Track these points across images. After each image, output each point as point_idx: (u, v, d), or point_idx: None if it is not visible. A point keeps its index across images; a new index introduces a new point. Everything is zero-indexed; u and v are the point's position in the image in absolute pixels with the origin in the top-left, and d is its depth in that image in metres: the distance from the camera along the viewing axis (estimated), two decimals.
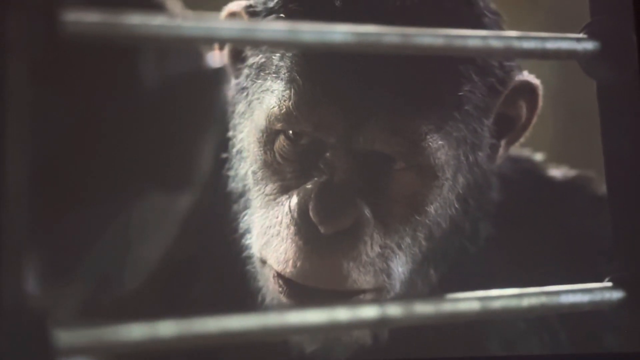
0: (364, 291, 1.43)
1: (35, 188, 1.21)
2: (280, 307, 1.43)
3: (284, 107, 1.43)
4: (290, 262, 1.41)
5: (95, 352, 1.23)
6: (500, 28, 1.51)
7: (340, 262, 1.40)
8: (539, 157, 1.64)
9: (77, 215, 1.43)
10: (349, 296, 1.43)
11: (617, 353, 1.52)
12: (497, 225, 1.56)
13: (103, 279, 1.45)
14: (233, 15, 1.51)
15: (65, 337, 1.19)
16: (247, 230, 1.49)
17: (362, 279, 1.42)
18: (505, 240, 1.55)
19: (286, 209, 1.42)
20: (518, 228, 1.57)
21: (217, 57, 1.54)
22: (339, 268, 1.41)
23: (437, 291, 1.49)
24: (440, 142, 1.44)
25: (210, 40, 1.45)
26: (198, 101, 1.53)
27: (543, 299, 1.42)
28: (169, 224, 1.50)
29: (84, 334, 1.21)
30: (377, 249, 1.42)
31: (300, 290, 1.42)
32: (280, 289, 1.43)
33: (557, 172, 1.64)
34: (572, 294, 1.45)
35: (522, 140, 1.55)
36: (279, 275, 1.43)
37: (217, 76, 1.54)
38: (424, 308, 1.37)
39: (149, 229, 1.48)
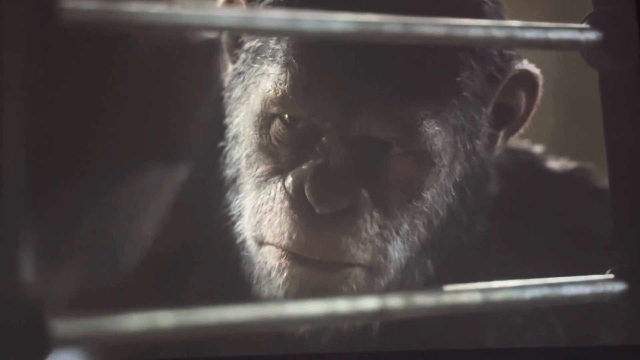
0: (359, 265, 1.42)
1: (29, 175, 1.21)
2: (279, 298, 1.42)
3: (279, 90, 1.42)
4: (286, 234, 1.40)
5: (93, 342, 1.23)
6: (501, 17, 1.49)
7: (338, 236, 1.40)
8: (538, 149, 1.63)
9: (72, 198, 1.42)
10: (342, 268, 1.41)
11: (618, 345, 1.52)
12: (495, 218, 1.55)
13: (99, 261, 1.45)
14: (230, 2, 1.50)
15: (62, 327, 1.19)
16: (240, 215, 1.48)
17: (360, 255, 1.41)
18: (503, 233, 1.55)
19: (280, 186, 1.41)
20: (516, 220, 1.56)
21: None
22: (337, 241, 1.40)
23: (434, 282, 1.48)
24: (437, 128, 1.43)
25: (208, 29, 1.44)
26: (190, 74, 1.52)
27: (545, 291, 1.42)
28: (164, 199, 1.49)
29: (81, 324, 1.21)
30: (376, 228, 1.41)
31: (297, 261, 1.41)
32: (278, 263, 1.42)
33: (556, 164, 1.63)
34: (574, 286, 1.44)
35: (521, 131, 1.55)
36: (276, 249, 1.42)
37: (209, 48, 1.53)
38: (424, 300, 1.36)
39: (144, 205, 1.47)
